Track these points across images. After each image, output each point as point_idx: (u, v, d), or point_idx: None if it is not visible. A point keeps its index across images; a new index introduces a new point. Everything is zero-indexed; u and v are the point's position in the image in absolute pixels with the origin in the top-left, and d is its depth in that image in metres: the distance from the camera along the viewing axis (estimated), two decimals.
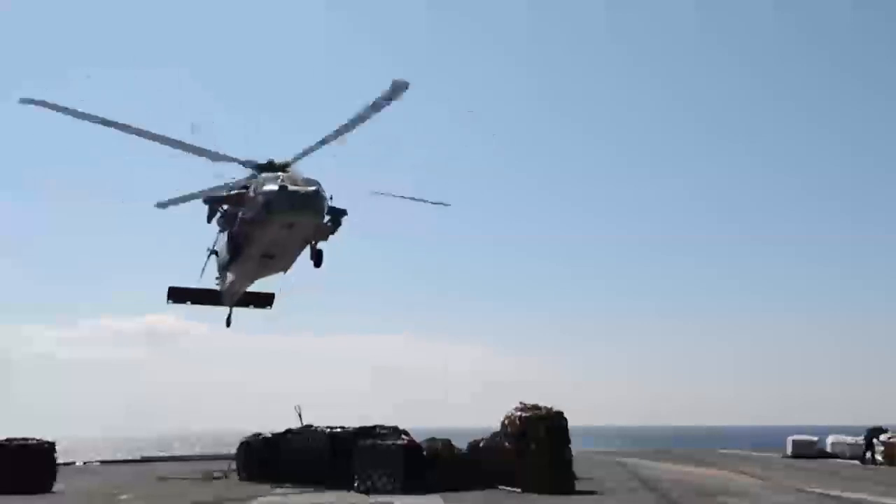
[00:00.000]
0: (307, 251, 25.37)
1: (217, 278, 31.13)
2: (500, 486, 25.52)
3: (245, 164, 24.00)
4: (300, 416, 31.38)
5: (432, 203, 28.68)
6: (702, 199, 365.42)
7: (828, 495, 24.66)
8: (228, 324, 32.30)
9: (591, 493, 24.77)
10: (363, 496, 24.44)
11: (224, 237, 26.70)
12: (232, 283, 29.50)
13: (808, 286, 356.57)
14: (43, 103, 22.85)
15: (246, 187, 23.90)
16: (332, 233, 23.93)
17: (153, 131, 23.36)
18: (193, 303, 32.45)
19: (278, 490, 25.82)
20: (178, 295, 31.95)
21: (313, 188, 21.75)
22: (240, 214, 23.90)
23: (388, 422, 31.49)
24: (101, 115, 23.11)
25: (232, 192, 24.00)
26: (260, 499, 23.53)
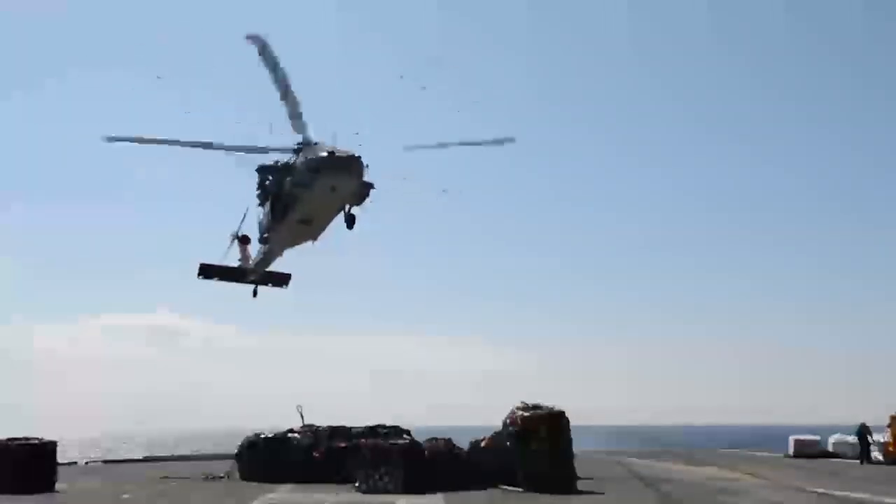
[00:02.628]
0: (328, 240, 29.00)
1: (239, 259, 34.30)
2: (501, 486, 25.54)
3: (283, 150, 27.10)
4: (302, 415, 31.45)
5: (494, 143, 30.98)
6: (704, 199, 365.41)
7: (828, 495, 24.68)
8: (255, 294, 35.27)
9: (592, 492, 24.78)
10: (364, 495, 24.47)
11: (264, 209, 29.49)
12: (266, 252, 32.10)
13: (810, 285, 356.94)
14: (127, 139, 26.97)
15: (289, 162, 27.00)
16: (361, 202, 26.72)
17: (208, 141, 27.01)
18: (220, 279, 35.05)
19: (279, 490, 25.82)
20: (208, 271, 34.80)
21: (357, 154, 25.00)
22: (287, 180, 26.68)
23: (390, 421, 31.66)
24: (174, 138, 26.94)
25: (281, 162, 27.09)
26: (261, 498, 23.52)
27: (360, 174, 25.31)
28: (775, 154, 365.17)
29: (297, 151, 26.61)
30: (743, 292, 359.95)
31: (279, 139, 27.04)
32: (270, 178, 28.28)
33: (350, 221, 26.67)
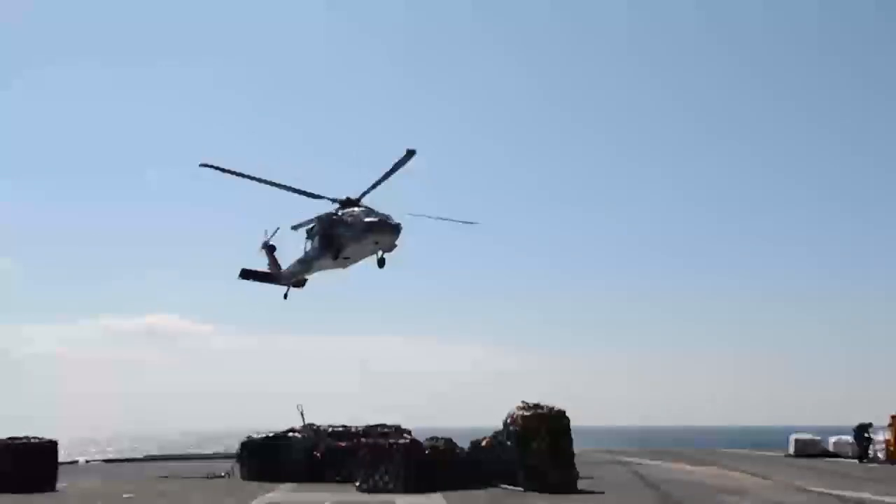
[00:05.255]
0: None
1: (268, 265, 40.53)
2: (501, 486, 25.56)
3: (333, 200, 33.97)
4: (302, 415, 31.48)
5: (462, 222, 36.72)
6: (702, 199, 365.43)
7: (829, 494, 24.67)
8: (286, 297, 40.17)
9: (593, 492, 24.80)
10: (365, 495, 24.48)
11: (313, 243, 36.19)
12: (304, 269, 38.13)
13: (809, 285, 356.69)
14: (219, 168, 32.22)
15: (336, 214, 34.10)
16: (392, 250, 33.30)
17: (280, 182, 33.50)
18: (255, 280, 40.60)
19: (279, 489, 25.84)
20: (248, 274, 40.40)
21: (399, 222, 32.30)
22: (339, 231, 33.82)
23: (390, 421, 31.69)
24: (263, 177, 33.00)
25: (336, 216, 34.09)
26: (261, 498, 23.54)
27: (399, 235, 32.46)
28: (775, 154, 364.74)
29: (343, 204, 33.76)
30: (743, 292, 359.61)
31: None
32: (325, 224, 35.01)
33: (381, 263, 33.40)
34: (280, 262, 40.26)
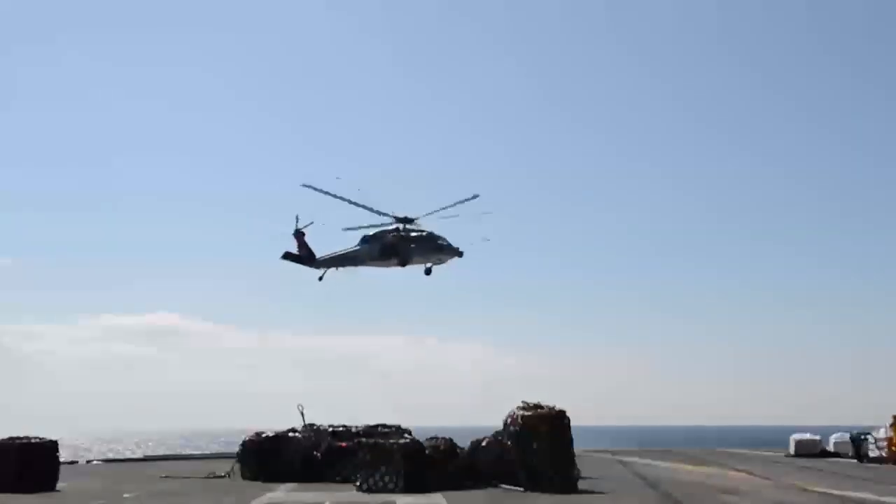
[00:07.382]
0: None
1: (298, 247, 45.65)
2: (502, 486, 25.54)
3: (393, 217, 41.48)
4: (303, 415, 31.49)
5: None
6: (702, 199, 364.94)
7: (829, 494, 24.68)
8: (321, 278, 45.75)
9: (593, 492, 24.79)
10: (365, 495, 24.48)
11: (371, 246, 43.02)
12: (349, 263, 44.73)
13: (809, 285, 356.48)
14: (318, 189, 41.22)
15: (397, 229, 42.02)
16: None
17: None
18: (294, 262, 45.72)
19: (280, 489, 25.83)
20: (289, 256, 45.72)
21: (459, 247, 41.48)
22: (407, 245, 41.57)
23: (390, 421, 31.69)
24: (362, 202, 41.24)
25: (404, 233, 41.75)
26: (261, 498, 23.53)
27: (456, 256, 41.10)
28: (775, 154, 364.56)
29: (400, 221, 41.44)
30: (743, 292, 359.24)
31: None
32: (395, 237, 42.16)
33: (428, 272, 42.23)
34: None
